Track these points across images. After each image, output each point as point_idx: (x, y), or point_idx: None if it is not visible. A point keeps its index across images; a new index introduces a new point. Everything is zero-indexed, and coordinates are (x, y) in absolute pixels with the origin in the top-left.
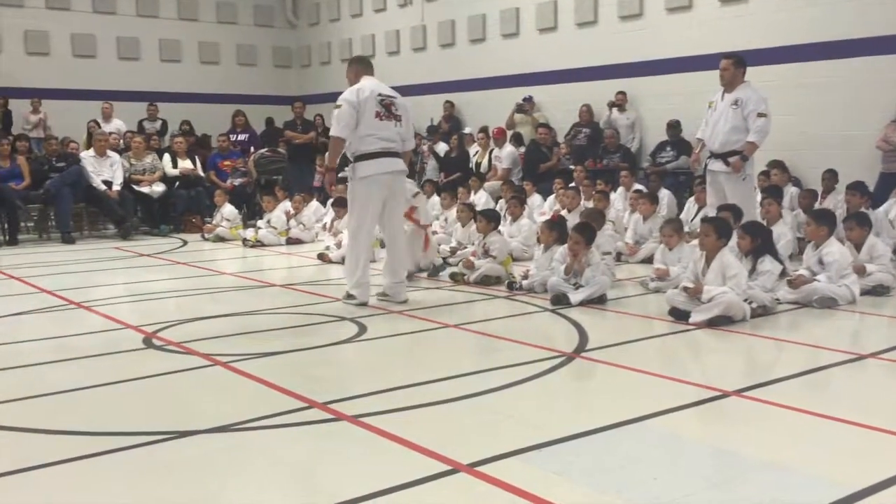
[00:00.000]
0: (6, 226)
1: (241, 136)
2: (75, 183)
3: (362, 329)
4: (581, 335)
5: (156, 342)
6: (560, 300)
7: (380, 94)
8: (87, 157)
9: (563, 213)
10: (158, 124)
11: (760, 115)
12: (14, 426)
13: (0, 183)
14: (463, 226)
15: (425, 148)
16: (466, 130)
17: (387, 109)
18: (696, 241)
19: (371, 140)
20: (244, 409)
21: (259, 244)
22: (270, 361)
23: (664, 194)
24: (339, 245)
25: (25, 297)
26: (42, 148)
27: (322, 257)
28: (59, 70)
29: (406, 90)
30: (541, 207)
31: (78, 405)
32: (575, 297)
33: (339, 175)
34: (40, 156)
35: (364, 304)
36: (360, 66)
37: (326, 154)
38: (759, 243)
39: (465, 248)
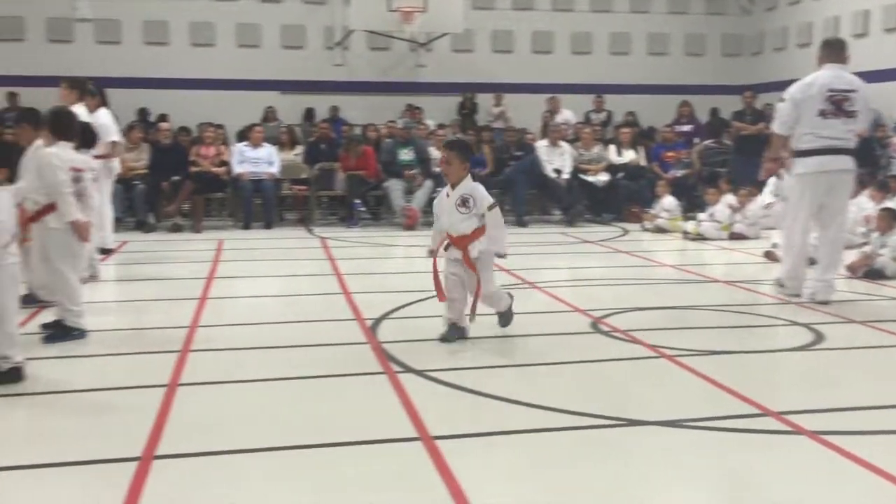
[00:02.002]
0: None
1: (686, 127)
2: (530, 171)
3: (819, 337)
4: None
5: (602, 328)
6: None
7: (831, 90)
8: (542, 146)
9: None
10: (604, 115)
11: None
12: (476, 390)
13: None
14: (882, 234)
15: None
16: None
17: (836, 106)
18: None
19: (809, 138)
20: (692, 406)
21: (700, 237)
22: (718, 360)
23: None
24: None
25: None
26: (503, 138)
27: (769, 255)
28: (519, 65)
29: (874, 76)
30: None
31: (525, 379)
32: None
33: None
34: (501, 145)
35: (796, 296)
36: (824, 51)
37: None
38: None
39: None
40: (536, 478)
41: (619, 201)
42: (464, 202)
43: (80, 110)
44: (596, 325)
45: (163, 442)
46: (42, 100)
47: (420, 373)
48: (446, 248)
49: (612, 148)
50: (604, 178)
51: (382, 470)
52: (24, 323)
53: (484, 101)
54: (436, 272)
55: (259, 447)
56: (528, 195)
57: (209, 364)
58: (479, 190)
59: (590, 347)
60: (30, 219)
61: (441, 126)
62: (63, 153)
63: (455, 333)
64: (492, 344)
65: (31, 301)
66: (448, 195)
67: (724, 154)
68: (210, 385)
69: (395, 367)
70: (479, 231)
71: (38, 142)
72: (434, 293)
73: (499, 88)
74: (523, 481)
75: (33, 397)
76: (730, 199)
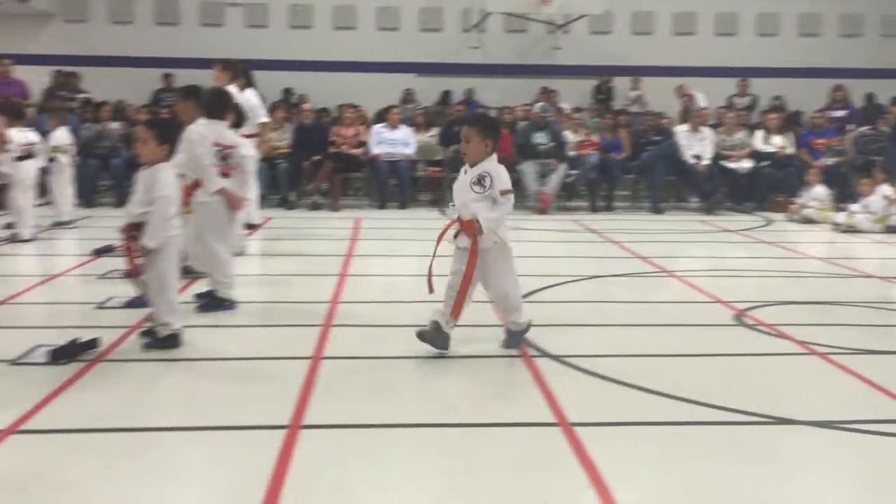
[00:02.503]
0: (605, 193)
1: (839, 113)
2: (668, 156)
3: None
4: None
5: (745, 320)
6: None
7: None
8: (682, 131)
9: None
10: (748, 100)
11: None
12: (614, 378)
13: (604, 153)
14: None
15: None
16: None
17: None
18: None
19: None
20: (846, 406)
21: (851, 230)
22: (875, 360)
23: None
24: None
25: (618, 261)
26: (640, 121)
27: None
28: (658, 48)
29: None
30: None
31: (664, 369)
32: None
33: None
34: (638, 129)
35: None
36: None
37: None
38: None
39: None
40: (678, 472)
41: (763, 189)
42: (479, 180)
43: (232, 91)
44: (739, 318)
45: (309, 412)
46: (194, 81)
47: (557, 358)
48: (455, 236)
49: (759, 134)
50: (747, 164)
51: (522, 453)
52: (180, 292)
53: (620, 84)
54: (434, 258)
55: (401, 423)
56: (665, 181)
57: (350, 339)
58: (501, 171)
59: (733, 341)
60: (186, 192)
61: (577, 110)
62: (208, 129)
63: (437, 338)
64: (629, 332)
65: (187, 272)
66: (466, 172)
67: (881, 142)
68: (352, 360)
69: (532, 351)
70: None
71: (202, 119)
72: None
73: (636, 71)
74: (664, 475)
75: (189, 363)
76: (886, 189)
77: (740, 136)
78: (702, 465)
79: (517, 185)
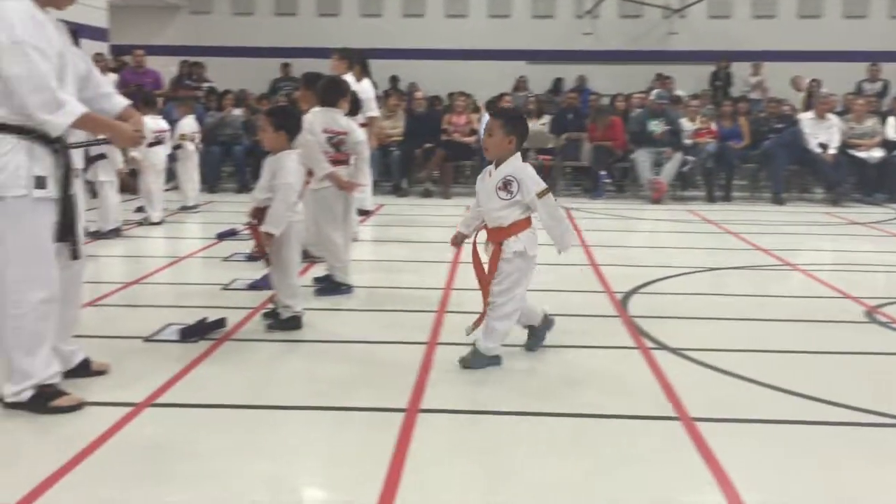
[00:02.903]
0: (723, 182)
1: None
2: (791, 144)
3: None
4: None
5: (879, 318)
6: None
7: None
8: (806, 119)
9: None
10: (879, 86)
11: None
12: (735, 373)
13: (722, 142)
14: None
15: None
16: None
17: None
18: None
19: None
20: None
21: None
22: None
23: None
24: None
25: (737, 252)
26: (761, 108)
27: None
28: (780, 32)
29: None
30: None
31: (789, 366)
32: None
33: None
34: (759, 117)
35: None
36: None
37: None
38: None
39: None
40: (806, 474)
41: (895, 180)
42: (505, 185)
43: (349, 80)
44: (871, 315)
45: (426, 396)
46: (310, 70)
47: (675, 351)
48: (486, 247)
49: (891, 121)
50: (878, 154)
51: (643, 446)
52: (300, 275)
53: (739, 70)
54: (477, 261)
55: (520, 410)
56: (787, 171)
57: (463, 326)
58: (527, 171)
59: (865, 338)
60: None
61: (694, 97)
62: (318, 117)
63: (479, 361)
64: (749, 326)
65: (305, 255)
66: (490, 174)
67: None
68: (468, 346)
69: (648, 343)
70: (522, 224)
71: (315, 107)
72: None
73: (757, 56)
74: (792, 476)
75: (310, 344)
76: None
77: (870, 123)
78: (832, 467)
79: (630, 173)
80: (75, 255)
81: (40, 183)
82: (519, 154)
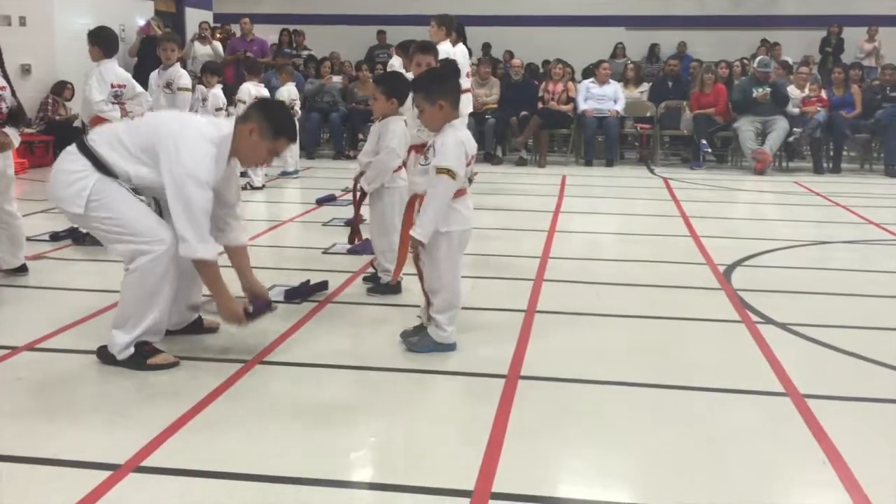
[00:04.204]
0: (832, 153)
1: None
2: None
3: None
4: None
5: None
6: None
7: None
8: None
9: None
10: None
11: None
12: (845, 349)
13: (832, 111)
14: None
15: None
16: None
17: None
18: None
19: None
20: None
21: None
22: None
23: None
24: None
25: (847, 226)
26: (876, 76)
27: None
28: None
29: None
30: None
31: None
32: None
33: None
34: (874, 85)
35: None
36: None
37: None
38: None
39: None
40: None
41: None
42: (428, 149)
43: (445, 46)
44: None
45: (527, 363)
46: (405, 37)
47: (782, 325)
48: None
49: None
50: None
51: (753, 421)
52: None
53: (852, 35)
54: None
55: (622, 381)
56: None
57: (563, 295)
58: (448, 143)
59: None
60: None
61: (803, 63)
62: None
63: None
64: (860, 302)
65: None
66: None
67: None
68: (566, 315)
69: (754, 317)
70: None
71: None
72: None
73: (872, 21)
74: None
75: (409, 308)
76: None
77: None
78: None
79: (732, 142)
80: None
81: None
82: (455, 123)
